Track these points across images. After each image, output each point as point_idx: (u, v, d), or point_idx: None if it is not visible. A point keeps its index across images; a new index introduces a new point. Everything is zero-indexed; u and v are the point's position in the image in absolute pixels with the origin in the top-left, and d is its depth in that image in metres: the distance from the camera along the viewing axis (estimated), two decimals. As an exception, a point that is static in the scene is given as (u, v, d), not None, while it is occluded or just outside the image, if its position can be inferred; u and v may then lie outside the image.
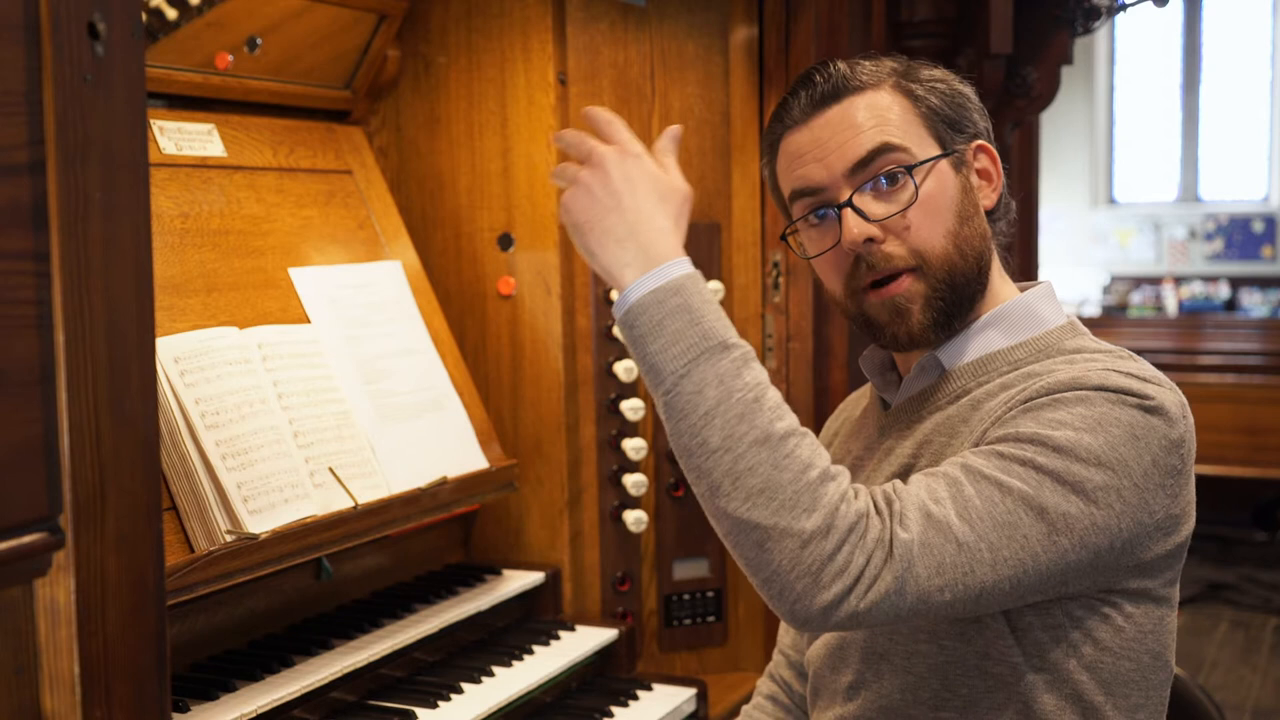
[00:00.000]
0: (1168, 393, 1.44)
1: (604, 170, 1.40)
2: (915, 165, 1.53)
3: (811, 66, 1.61)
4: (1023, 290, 1.64)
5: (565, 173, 1.44)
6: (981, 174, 1.60)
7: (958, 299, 1.55)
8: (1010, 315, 1.58)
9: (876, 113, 1.54)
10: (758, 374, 1.35)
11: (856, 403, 1.82)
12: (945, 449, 1.52)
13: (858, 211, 1.52)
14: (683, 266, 1.38)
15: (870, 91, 1.56)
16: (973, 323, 1.58)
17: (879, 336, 1.59)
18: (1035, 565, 1.34)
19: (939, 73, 1.60)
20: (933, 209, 1.53)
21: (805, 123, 1.57)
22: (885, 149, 1.53)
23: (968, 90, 1.61)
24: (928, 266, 1.53)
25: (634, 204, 1.39)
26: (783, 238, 1.68)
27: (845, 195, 1.53)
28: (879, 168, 1.53)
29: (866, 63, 1.59)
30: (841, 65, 1.59)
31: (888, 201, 1.53)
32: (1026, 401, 1.42)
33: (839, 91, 1.56)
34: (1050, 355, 1.54)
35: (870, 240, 1.52)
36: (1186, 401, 1.48)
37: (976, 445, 1.44)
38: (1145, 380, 1.43)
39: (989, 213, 1.61)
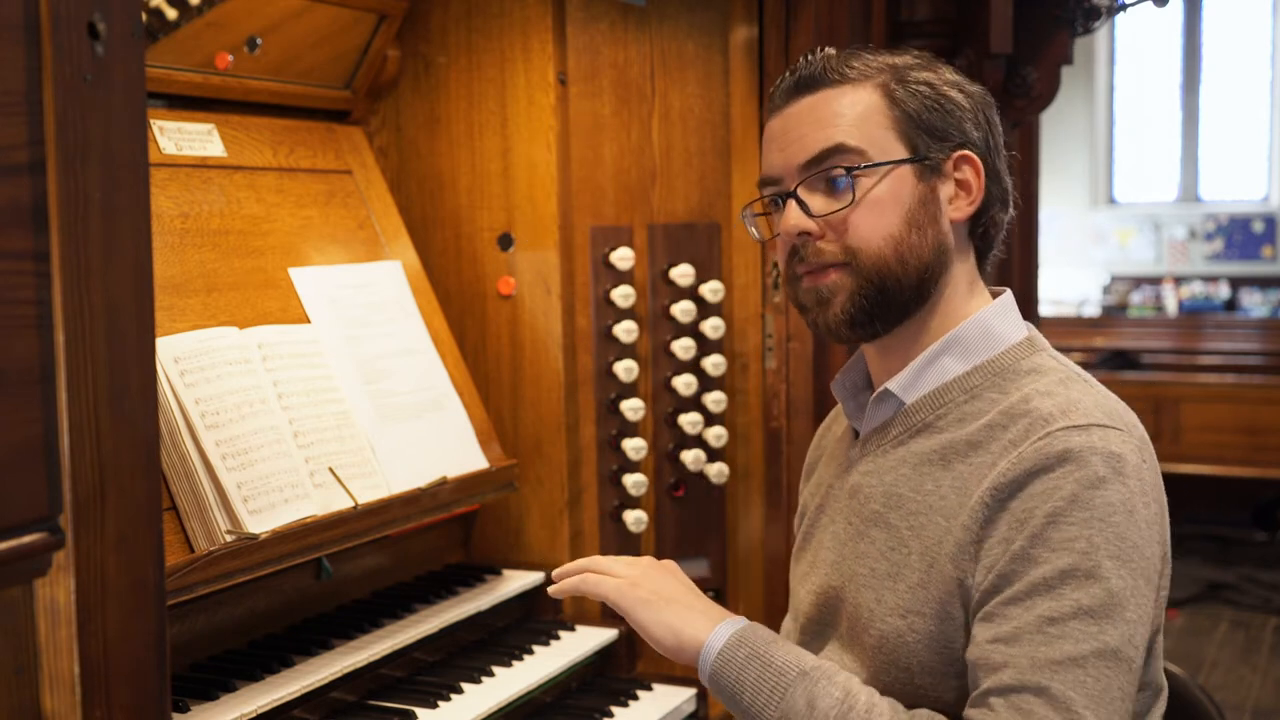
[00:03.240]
0: (1123, 436, 1.43)
1: (667, 568, 1.61)
2: (863, 167, 1.52)
3: (808, 50, 1.62)
4: (995, 294, 1.62)
5: (614, 567, 1.60)
6: (960, 184, 1.57)
7: (885, 303, 1.54)
8: (965, 338, 1.56)
9: (843, 110, 1.54)
10: (843, 684, 1.44)
11: (835, 422, 1.80)
12: (919, 517, 1.50)
13: (801, 204, 1.55)
14: (739, 622, 1.53)
15: (849, 87, 1.55)
16: (928, 347, 1.57)
17: (807, 322, 1.62)
18: (1131, 685, 1.40)
19: (928, 75, 1.57)
20: (877, 211, 1.52)
21: (782, 109, 1.60)
22: (838, 150, 1.53)
23: (959, 98, 1.57)
24: (857, 264, 1.53)
25: (694, 593, 1.58)
26: (742, 215, 1.74)
27: (794, 185, 1.56)
28: (828, 168, 1.54)
29: (865, 55, 1.58)
30: (829, 53, 1.59)
31: (832, 199, 1.54)
32: (1024, 523, 1.40)
33: (816, 82, 1.57)
34: (1004, 378, 1.53)
35: (806, 234, 1.55)
36: (1143, 433, 1.48)
37: (976, 564, 1.44)
38: (1106, 427, 1.43)
39: (970, 226, 1.59)
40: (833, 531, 1.63)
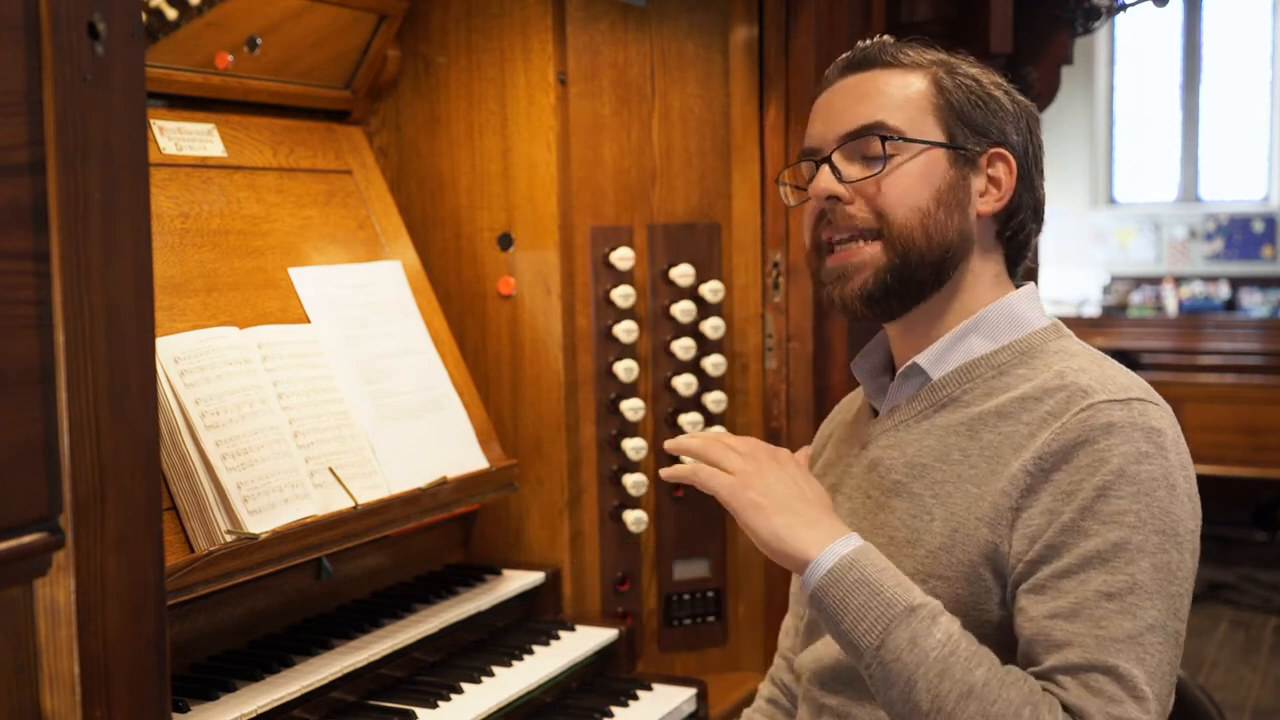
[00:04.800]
0: (1160, 410, 1.47)
1: (785, 465, 1.53)
2: (897, 139, 1.56)
3: (865, 37, 1.66)
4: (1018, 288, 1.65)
5: (739, 462, 1.51)
6: (992, 180, 1.60)
7: (906, 278, 1.56)
8: (991, 319, 1.60)
9: (890, 90, 1.58)
10: (946, 626, 1.40)
11: (849, 406, 1.82)
12: (944, 486, 1.52)
13: (833, 169, 1.58)
14: (854, 541, 1.46)
15: (900, 70, 1.59)
16: (953, 328, 1.60)
17: (822, 297, 1.63)
18: (1177, 657, 1.43)
19: (976, 72, 1.62)
20: (908, 184, 1.56)
21: (832, 84, 1.64)
22: (878, 126, 1.57)
23: (1004, 99, 1.62)
24: (888, 231, 1.55)
25: (810, 494, 1.51)
26: (777, 180, 1.76)
27: (829, 152, 1.59)
28: (865, 144, 1.57)
29: (917, 46, 1.62)
30: (887, 38, 1.63)
31: (865, 168, 1.57)
32: (1071, 495, 1.42)
33: (870, 61, 1.61)
34: (1033, 356, 1.56)
35: (836, 198, 1.57)
36: (1166, 404, 1.50)
37: (1015, 535, 1.44)
38: (1145, 402, 1.46)
39: (999, 228, 1.61)
40: (849, 508, 1.64)
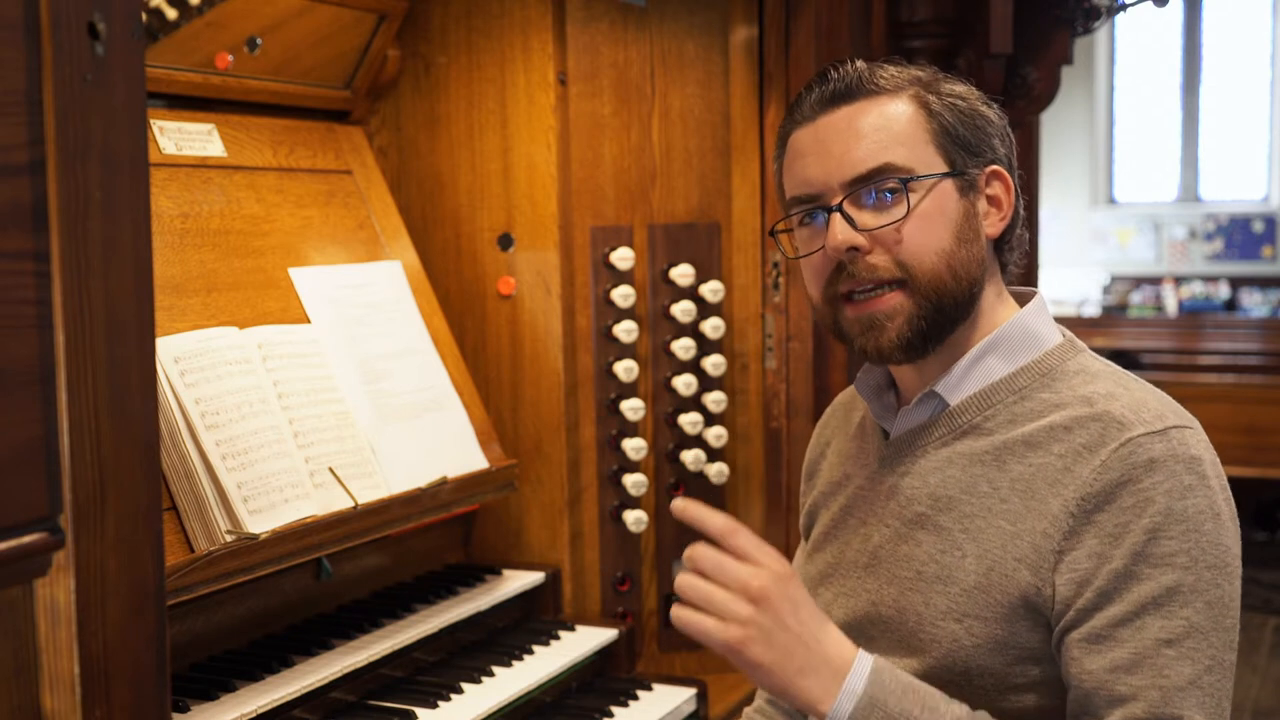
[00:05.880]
0: (1195, 434, 1.45)
1: (774, 605, 1.36)
2: (916, 178, 1.49)
3: (832, 62, 1.57)
4: (1018, 298, 1.61)
5: (727, 608, 1.37)
6: (992, 200, 1.55)
7: (941, 321, 1.51)
8: (1008, 339, 1.55)
9: (884, 124, 1.51)
10: None
11: (847, 413, 1.76)
12: (974, 520, 1.48)
13: (847, 218, 1.50)
14: (862, 669, 1.39)
15: (885, 98, 1.52)
16: (969, 349, 1.55)
17: (848, 347, 1.57)
18: (1231, 684, 1.43)
19: (961, 89, 1.56)
20: (927, 225, 1.49)
21: (813, 120, 1.54)
22: (889, 169, 1.50)
23: (990, 113, 1.56)
24: (914, 281, 1.49)
25: (806, 628, 1.38)
26: (771, 234, 1.66)
27: (838, 200, 1.51)
28: (877, 186, 1.50)
29: (890, 67, 1.55)
30: (860, 65, 1.55)
31: (881, 214, 1.50)
32: (1119, 538, 1.40)
33: (851, 92, 1.53)
34: (1053, 378, 1.52)
35: (855, 249, 1.50)
36: (1196, 421, 1.48)
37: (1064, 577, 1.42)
38: (1181, 429, 1.43)
39: (996, 241, 1.57)
40: (863, 534, 1.60)
